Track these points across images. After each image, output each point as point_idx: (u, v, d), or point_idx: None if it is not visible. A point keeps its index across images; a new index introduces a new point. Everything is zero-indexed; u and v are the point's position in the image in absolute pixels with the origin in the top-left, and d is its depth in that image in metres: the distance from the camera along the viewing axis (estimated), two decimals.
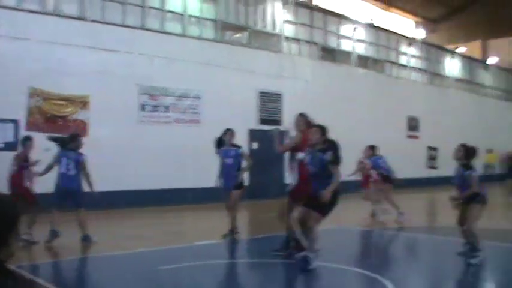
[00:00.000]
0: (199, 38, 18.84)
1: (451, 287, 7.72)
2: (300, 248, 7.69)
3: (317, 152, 7.56)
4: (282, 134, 9.07)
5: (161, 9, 18.19)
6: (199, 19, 19.18)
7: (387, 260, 9.08)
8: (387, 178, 13.63)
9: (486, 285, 7.78)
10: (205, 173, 12.75)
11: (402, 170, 25.86)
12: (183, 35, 18.41)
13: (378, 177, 13.67)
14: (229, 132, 10.63)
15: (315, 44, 23.63)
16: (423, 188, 26.00)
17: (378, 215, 13.73)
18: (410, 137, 27.85)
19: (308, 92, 21.90)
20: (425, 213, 17.96)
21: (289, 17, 22.57)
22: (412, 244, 11.33)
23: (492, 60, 36.77)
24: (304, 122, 8.84)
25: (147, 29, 17.63)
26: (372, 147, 14.02)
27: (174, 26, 18.42)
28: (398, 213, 13.47)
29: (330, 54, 24.55)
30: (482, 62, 36.58)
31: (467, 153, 8.20)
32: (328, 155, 7.44)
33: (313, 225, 7.48)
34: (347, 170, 12.57)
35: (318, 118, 23.50)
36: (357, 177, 14.99)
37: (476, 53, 36.99)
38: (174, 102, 17.49)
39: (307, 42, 23.34)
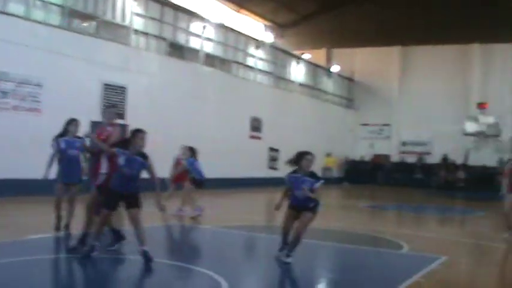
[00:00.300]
0: (44, 23, 18.69)
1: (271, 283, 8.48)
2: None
3: (135, 155, 8.18)
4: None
5: None
6: (45, 3, 19.06)
7: (221, 258, 9.54)
8: (198, 183, 14.19)
9: (299, 281, 8.64)
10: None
11: (244, 169, 27.45)
12: (26, 18, 18.05)
13: (189, 179, 14.24)
14: (74, 122, 10.46)
15: (164, 39, 24.30)
16: (264, 187, 27.28)
17: (189, 213, 14.08)
18: (252, 137, 29.19)
19: (154, 87, 22.51)
20: (262, 213, 18.94)
21: (140, 10, 23.04)
22: (246, 242, 11.97)
23: (335, 68, 39.52)
24: (114, 115, 9.56)
25: None
26: (192, 149, 14.46)
27: (16, 7, 18.01)
28: (190, 210, 14.11)
29: (178, 50, 25.29)
30: (326, 69, 39.17)
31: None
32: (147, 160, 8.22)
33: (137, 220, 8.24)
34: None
35: (162, 114, 24.12)
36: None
37: (321, 61, 39.56)
38: (14, 88, 17.20)
39: (156, 36, 23.94)
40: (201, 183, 14.40)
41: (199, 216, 13.89)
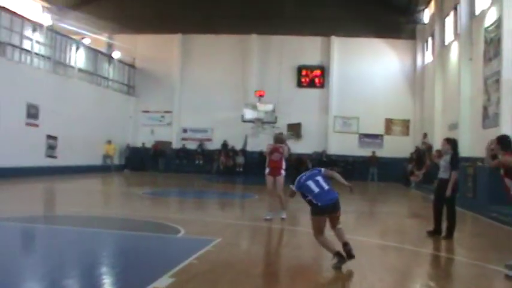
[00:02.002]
0: None
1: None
2: None
3: None
4: None
5: None
6: None
7: None
8: None
9: (67, 268, 8.85)
10: None
11: (19, 158, 26.36)
12: None
13: None
14: None
15: None
16: (42, 177, 26.55)
17: None
18: (29, 124, 28.08)
19: None
20: (38, 203, 18.51)
21: None
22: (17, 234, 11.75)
23: (116, 54, 39.29)
24: None
25: None
26: None
27: None
28: None
29: None
30: (107, 55, 38.76)
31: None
32: None
33: None
34: None
35: None
36: None
37: (102, 46, 39.01)
38: None
39: None
40: None
41: None
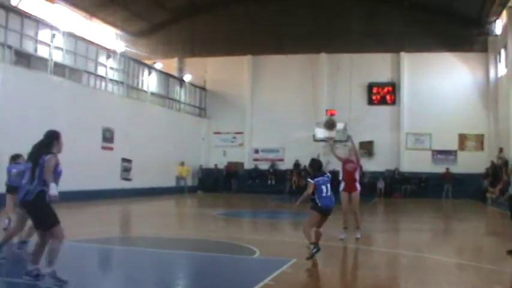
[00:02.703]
0: None
1: None
2: None
3: None
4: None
5: None
6: None
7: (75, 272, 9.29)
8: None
9: None
10: None
11: (96, 181, 27.01)
12: None
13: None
14: None
15: (9, 47, 23.36)
16: (117, 199, 27.08)
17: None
18: (105, 148, 28.77)
19: None
20: (115, 224, 18.83)
21: None
22: (98, 256, 11.84)
23: (187, 77, 39.88)
24: None
25: None
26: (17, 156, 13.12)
27: None
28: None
29: (25, 59, 24.44)
30: (178, 78, 39.42)
31: None
32: None
33: None
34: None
35: (6, 127, 23.17)
36: None
37: (173, 70, 39.76)
38: None
39: (1, 44, 22.89)
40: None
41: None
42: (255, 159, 41.01)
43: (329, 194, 10.70)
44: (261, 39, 39.93)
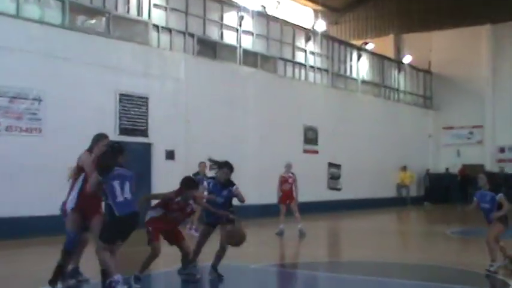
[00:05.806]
0: (40, 21, 18.73)
1: None
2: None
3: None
4: None
5: None
6: None
7: None
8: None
9: None
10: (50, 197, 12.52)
11: (300, 191, 27.02)
12: (17, 17, 18.12)
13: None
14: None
15: (191, 35, 24.20)
16: (325, 213, 27.00)
17: None
18: (307, 151, 28.87)
19: (181, 95, 22.57)
20: (318, 245, 18.66)
21: (160, 0, 22.87)
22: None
23: (407, 59, 39.10)
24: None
25: None
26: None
27: (5, 5, 18.07)
28: None
29: (210, 48, 25.20)
30: (395, 61, 38.75)
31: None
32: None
33: None
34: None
35: (193, 126, 23.97)
36: None
37: (388, 51, 39.09)
38: (7, 105, 17.23)
39: (181, 32, 23.88)
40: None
41: None
42: (500, 160, 39.05)
43: None
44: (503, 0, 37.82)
